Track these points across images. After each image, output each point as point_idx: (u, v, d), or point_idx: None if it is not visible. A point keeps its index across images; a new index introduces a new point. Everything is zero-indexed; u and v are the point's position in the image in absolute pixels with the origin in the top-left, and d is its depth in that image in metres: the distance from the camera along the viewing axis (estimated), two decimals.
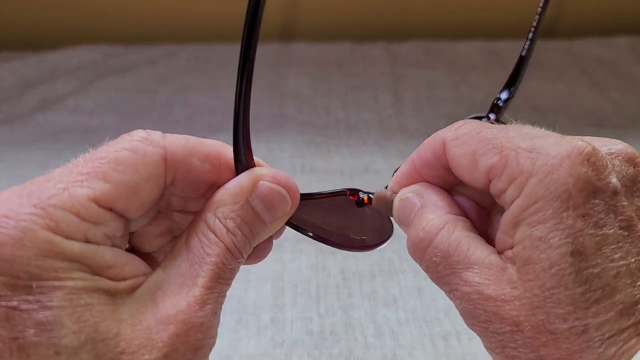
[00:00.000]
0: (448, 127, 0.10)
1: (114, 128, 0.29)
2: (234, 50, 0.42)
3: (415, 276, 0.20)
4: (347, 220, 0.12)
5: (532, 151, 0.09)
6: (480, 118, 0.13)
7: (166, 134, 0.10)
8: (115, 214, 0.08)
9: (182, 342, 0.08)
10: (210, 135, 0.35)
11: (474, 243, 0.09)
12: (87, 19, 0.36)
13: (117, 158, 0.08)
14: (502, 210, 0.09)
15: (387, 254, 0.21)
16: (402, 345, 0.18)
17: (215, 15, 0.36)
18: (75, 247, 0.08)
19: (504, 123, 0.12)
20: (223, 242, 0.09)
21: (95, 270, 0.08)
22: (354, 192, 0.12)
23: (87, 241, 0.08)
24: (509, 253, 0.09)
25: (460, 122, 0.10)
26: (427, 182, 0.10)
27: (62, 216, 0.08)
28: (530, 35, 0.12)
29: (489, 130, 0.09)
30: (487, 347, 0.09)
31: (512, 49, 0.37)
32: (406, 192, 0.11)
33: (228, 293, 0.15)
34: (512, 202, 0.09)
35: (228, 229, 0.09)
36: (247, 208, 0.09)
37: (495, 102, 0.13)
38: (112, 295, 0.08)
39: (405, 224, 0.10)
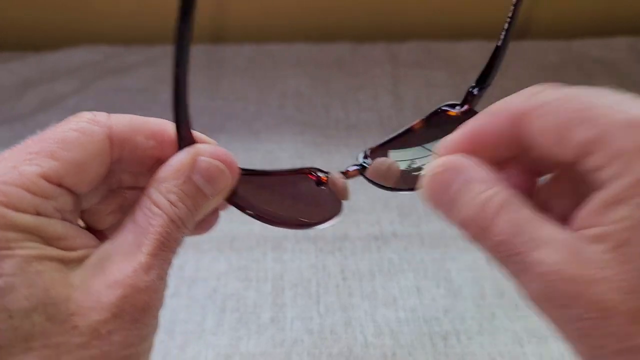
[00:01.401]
0: (517, 95, 0.09)
1: None
2: (234, 51, 0.42)
3: (415, 276, 0.20)
4: (297, 200, 0.12)
5: (636, 126, 0.08)
6: (452, 106, 0.13)
7: (112, 114, 0.10)
8: (65, 190, 0.09)
9: (130, 303, 0.09)
10: (211, 135, 0.35)
11: (541, 219, 0.08)
12: (88, 19, 0.36)
13: (65, 138, 0.09)
14: (551, 186, 0.09)
15: (386, 254, 0.21)
16: (402, 344, 0.18)
17: (215, 15, 0.36)
18: (26, 219, 0.08)
19: (476, 112, 0.11)
20: (166, 214, 0.09)
21: (46, 241, 0.09)
22: (314, 170, 0.13)
23: (38, 214, 0.09)
24: (594, 231, 0.08)
25: (536, 88, 0.09)
26: (478, 155, 0.09)
27: (13, 192, 0.08)
28: (506, 25, 0.11)
29: (579, 99, 0.08)
30: (564, 337, 0.09)
31: (511, 49, 0.37)
32: (444, 163, 0.09)
33: (229, 293, 0.15)
34: (610, 180, 0.08)
35: (171, 202, 0.09)
36: (188, 182, 0.10)
37: (470, 90, 0.13)
38: (64, 263, 0.09)
39: (441, 200, 0.09)
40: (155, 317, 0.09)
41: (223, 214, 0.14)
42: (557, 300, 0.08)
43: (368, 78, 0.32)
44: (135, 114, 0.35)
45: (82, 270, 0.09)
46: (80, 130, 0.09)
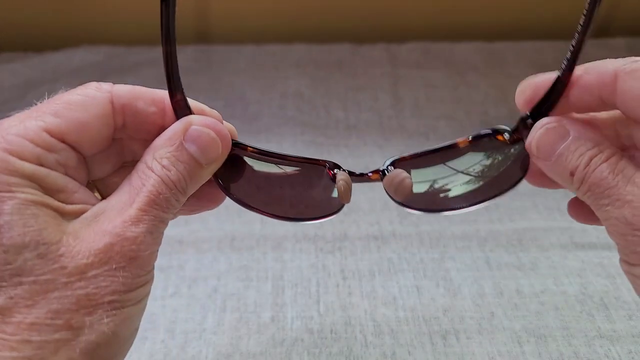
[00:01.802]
0: (614, 60, 0.10)
1: None
2: (234, 51, 0.42)
3: (415, 275, 0.20)
4: (296, 190, 0.12)
5: None
6: (501, 131, 0.12)
7: (115, 84, 0.11)
8: (68, 146, 0.10)
9: (116, 251, 0.09)
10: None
11: (638, 169, 0.10)
12: (89, 20, 0.36)
13: (69, 100, 0.10)
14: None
15: (386, 254, 0.22)
16: (402, 344, 0.18)
17: (216, 16, 0.37)
18: (27, 167, 0.09)
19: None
20: (158, 175, 0.10)
21: (46, 190, 0.09)
22: (330, 164, 0.12)
23: (40, 164, 0.09)
24: None
25: (633, 57, 0.10)
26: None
27: (16, 140, 0.09)
28: (568, 54, 0.11)
29: None
30: (624, 262, 0.10)
31: (511, 50, 0.38)
32: (558, 119, 0.11)
33: (230, 292, 0.15)
34: None
35: (163, 166, 0.10)
36: (180, 149, 0.10)
37: (524, 118, 0.12)
38: (60, 213, 0.09)
39: (547, 155, 0.11)
40: (144, 270, 0.09)
41: (224, 214, 0.14)
42: (638, 226, 0.09)
43: (368, 79, 0.32)
44: None
45: (76, 222, 0.09)
46: (83, 94, 0.10)
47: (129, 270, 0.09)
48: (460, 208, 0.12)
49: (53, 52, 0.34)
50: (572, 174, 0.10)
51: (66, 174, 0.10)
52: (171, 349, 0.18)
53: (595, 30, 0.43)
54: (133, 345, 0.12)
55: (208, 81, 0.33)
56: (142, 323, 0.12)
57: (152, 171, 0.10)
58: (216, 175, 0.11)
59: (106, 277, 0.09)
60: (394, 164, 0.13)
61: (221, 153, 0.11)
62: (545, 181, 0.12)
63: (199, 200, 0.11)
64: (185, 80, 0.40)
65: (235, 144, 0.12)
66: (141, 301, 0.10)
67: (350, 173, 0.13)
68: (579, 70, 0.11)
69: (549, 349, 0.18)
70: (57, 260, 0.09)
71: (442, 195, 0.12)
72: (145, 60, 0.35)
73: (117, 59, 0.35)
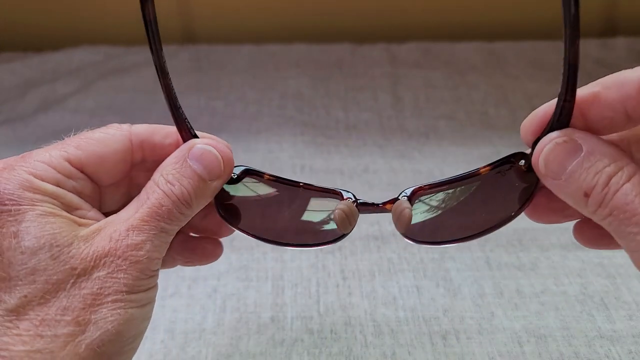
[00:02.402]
0: (633, 70, 0.09)
1: None
2: (235, 51, 0.42)
3: (415, 275, 0.20)
4: (301, 217, 0.13)
5: None
6: (521, 157, 0.11)
7: (133, 125, 0.12)
8: (86, 175, 0.11)
9: (119, 255, 0.10)
10: (211, 134, 0.35)
11: None
12: (88, 20, 0.36)
13: (91, 136, 0.12)
14: None
15: (386, 254, 0.22)
16: (402, 344, 0.18)
17: (216, 16, 0.37)
18: (47, 187, 0.11)
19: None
20: (162, 189, 0.11)
21: (64, 207, 0.11)
22: (341, 193, 0.13)
23: (58, 186, 0.11)
24: None
25: None
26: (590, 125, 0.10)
27: (40, 166, 0.11)
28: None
29: None
30: None
31: (510, 50, 0.38)
32: (558, 135, 0.10)
33: (229, 292, 0.15)
34: None
35: (168, 181, 0.11)
36: (185, 166, 0.11)
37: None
38: (75, 223, 0.11)
39: (557, 173, 0.10)
40: (144, 275, 0.10)
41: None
42: None
43: (368, 78, 0.32)
44: (135, 114, 0.35)
45: (87, 230, 0.11)
46: (104, 132, 0.12)
47: (130, 273, 0.10)
48: (457, 241, 0.12)
49: (53, 52, 0.34)
50: (586, 195, 0.09)
51: (80, 198, 0.11)
52: (171, 349, 0.18)
53: (596, 30, 0.43)
54: None
55: (208, 81, 0.33)
56: None
57: (158, 186, 0.11)
58: (217, 204, 0.12)
59: (109, 279, 0.10)
60: (413, 193, 0.12)
61: (224, 170, 0.12)
62: (549, 215, 0.11)
63: (194, 253, 0.13)
64: (186, 80, 0.40)
65: (249, 171, 0.13)
66: (145, 306, 0.11)
67: (364, 204, 0.13)
68: (595, 86, 0.10)
69: (549, 349, 0.17)
70: (68, 261, 0.10)
71: (443, 226, 0.12)
72: (144, 60, 0.35)
73: (117, 58, 0.35)
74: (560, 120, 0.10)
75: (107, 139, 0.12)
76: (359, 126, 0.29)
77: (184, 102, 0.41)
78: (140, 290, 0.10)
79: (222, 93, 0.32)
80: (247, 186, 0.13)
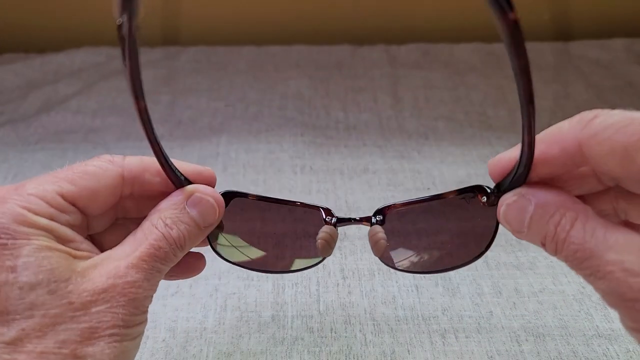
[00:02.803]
0: (571, 121, 0.10)
1: (117, 129, 0.29)
2: (235, 52, 0.42)
3: (414, 275, 0.20)
4: (284, 241, 0.13)
5: None
6: (484, 190, 0.12)
7: (126, 156, 0.12)
8: (77, 209, 0.12)
9: (118, 291, 0.11)
10: (212, 135, 0.35)
11: (611, 225, 0.10)
12: (90, 21, 0.36)
13: (85, 170, 0.12)
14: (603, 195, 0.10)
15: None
16: (401, 342, 0.18)
17: (217, 17, 0.37)
18: (42, 221, 0.11)
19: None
20: (160, 232, 0.11)
21: (58, 240, 0.11)
22: (326, 214, 0.13)
23: (52, 220, 0.11)
24: None
25: (588, 115, 0.10)
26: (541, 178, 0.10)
27: (34, 201, 0.11)
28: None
29: (636, 120, 0.09)
30: (631, 328, 0.10)
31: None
32: (511, 196, 0.11)
33: (230, 292, 0.16)
34: None
35: (166, 224, 0.12)
36: (183, 212, 0.12)
37: (493, 190, 0.12)
38: (71, 255, 0.11)
39: (518, 227, 0.11)
40: (140, 311, 0.11)
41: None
42: (626, 295, 0.09)
43: (367, 79, 0.33)
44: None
45: (84, 264, 0.11)
46: (98, 166, 0.12)
47: (127, 309, 0.11)
48: (430, 272, 0.13)
49: (55, 53, 0.35)
50: (542, 244, 0.10)
51: (72, 230, 0.11)
52: (172, 347, 0.18)
53: (594, 32, 0.43)
54: None
55: (209, 82, 0.33)
56: None
57: (156, 228, 0.11)
58: (211, 241, 0.13)
59: (107, 313, 0.10)
60: (382, 212, 0.13)
61: (217, 218, 0.12)
62: None
63: (177, 267, 0.13)
64: (187, 81, 0.40)
65: (228, 194, 0.13)
66: (136, 338, 0.11)
67: (340, 220, 0.13)
68: (538, 143, 0.10)
69: (548, 348, 0.18)
70: (66, 296, 0.10)
71: (418, 255, 0.13)
72: (145, 61, 0.35)
73: (118, 60, 0.35)
74: (518, 176, 0.11)
75: (99, 173, 0.12)
76: (358, 127, 0.29)
77: (185, 103, 0.41)
78: (135, 325, 0.11)
79: (223, 94, 0.32)
80: (233, 213, 0.13)
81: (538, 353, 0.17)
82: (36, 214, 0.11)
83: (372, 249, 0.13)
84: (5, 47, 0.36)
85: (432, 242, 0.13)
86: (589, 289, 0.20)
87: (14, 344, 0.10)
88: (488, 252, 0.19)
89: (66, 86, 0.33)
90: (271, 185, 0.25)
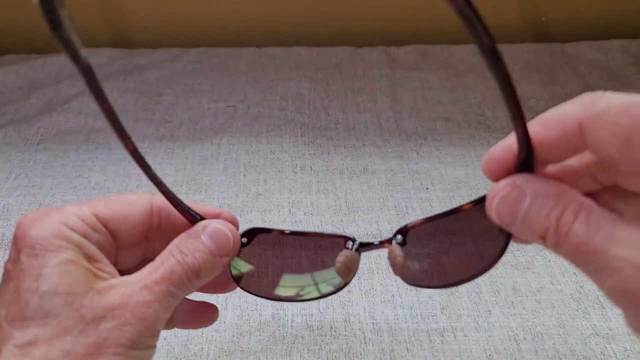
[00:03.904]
0: (572, 102, 0.09)
1: None
2: (236, 54, 0.43)
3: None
4: (306, 269, 0.14)
5: None
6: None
7: (155, 195, 0.13)
8: (109, 231, 0.12)
9: (129, 309, 0.11)
10: (213, 136, 0.35)
11: (615, 219, 0.09)
12: (91, 22, 0.37)
13: (118, 198, 0.13)
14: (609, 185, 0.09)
15: (385, 252, 0.22)
16: (400, 341, 0.18)
17: (218, 19, 0.37)
18: (74, 236, 0.11)
19: None
20: (176, 259, 0.12)
21: (85, 257, 0.11)
22: (347, 240, 0.13)
23: (85, 237, 0.12)
24: None
25: (591, 97, 0.09)
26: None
27: (71, 217, 0.12)
28: None
29: (638, 105, 0.08)
30: (635, 328, 0.09)
31: (506, 52, 0.38)
32: (510, 183, 0.10)
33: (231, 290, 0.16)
34: None
35: (181, 251, 0.12)
36: (198, 241, 0.12)
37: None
38: (93, 274, 0.11)
39: (511, 221, 0.10)
40: (150, 333, 0.11)
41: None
42: (633, 293, 0.08)
43: (367, 81, 0.33)
44: (138, 115, 0.35)
45: (104, 283, 0.11)
46: (129, 196, 0.13)
47: (136, 328, 0.11)
48: (449, 286, 0.13)
49: (57, 54, 0.35)
50: (542, 238, 0.09)
51: (100, 252, 0.12)
52: (173, 346, 0.18)
53: (591, 33, 0.43)
54: None
55: (210, 83, 0.33)
56: None
57: (172, 254, 0.12)
58: (232, 274, 0.14)
59: (115, 330, 0.11)
60: (402, 232, 0.13)
61: (232, 249, 0.13)
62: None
63: (192, 317, 0.14)
64: (188, 82, 0.40)
65: (256, 230, 0.14)
66: (145, 355, 0.11)
67: (362, 244, 0.13)
68: (535, 125, 0.10)
69: (546, 347, 0.18)
70: (79, 310, 0.11)
71: (436, 269, 0.13)
72: (147, 63, 0.35)
73: (120, 61, 0.35)
74: (522, 167, 0.10)
75: (131, 202, 0.13)
76: (358, 127, 0.29)
77: (186, 103, 0.41)
78: (141, 347, 0.11)
79: (224, 95, 0.32)
80: (255, 249, 0.14)
81: (536, 352, 0.18)
82: (71, 229, 0.11)
83: (392, 267, 0.13)
84: (7, 48, 0.36)
85: (451, 255, 0.12)
86: (587, 288, 0.20)
87: (24, 347, 0.10)
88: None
89: (68, 87, 0.33)
90: (271, 185, 0.25)
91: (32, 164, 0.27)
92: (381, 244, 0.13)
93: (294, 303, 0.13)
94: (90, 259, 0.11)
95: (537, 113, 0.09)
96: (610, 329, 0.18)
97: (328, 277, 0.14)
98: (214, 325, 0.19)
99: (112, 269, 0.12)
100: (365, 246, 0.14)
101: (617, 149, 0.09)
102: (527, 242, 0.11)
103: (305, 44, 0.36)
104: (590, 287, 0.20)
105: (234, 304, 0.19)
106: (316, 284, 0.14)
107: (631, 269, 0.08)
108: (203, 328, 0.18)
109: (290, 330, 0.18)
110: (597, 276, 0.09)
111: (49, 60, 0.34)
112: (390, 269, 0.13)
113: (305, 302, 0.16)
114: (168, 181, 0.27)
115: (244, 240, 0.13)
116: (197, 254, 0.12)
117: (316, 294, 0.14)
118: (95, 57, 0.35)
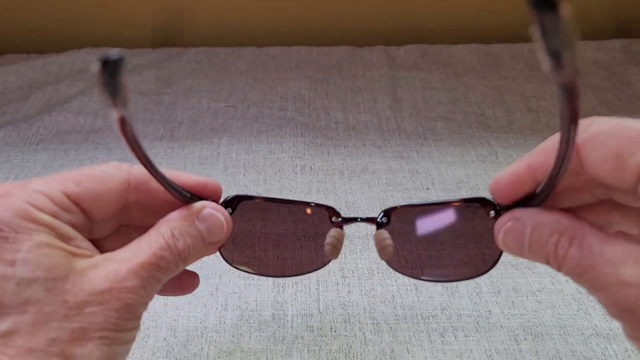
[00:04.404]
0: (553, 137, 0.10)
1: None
2: (236, 53, 0.43)
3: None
4: (290, 244, 0.13)
5: None
6: (491, 205, 0.12)
7: (133, 165, 0.12)
8: (81, 210, 0.12)
9: (114, 295, 0.10)
10: (213, 135, 0.35)
11: (604, 238, 0.10)
12: (92, 22, 0.37)
13: (91, 173, 0.12)
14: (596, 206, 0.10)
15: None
16: (400, 341, 0.18)
17: (218, 19, 0.37)
18: (44, 217, 0.11)
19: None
20: (166, 241, 0.11)
21: (59, 237, 0.11)
22: (332, 214, 0.13)
23: (55, 218, 0.11)
24: None
25: (586, 122, 0.10)
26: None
27: (38, 197, 0.11)
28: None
29: (629, 127, 0.09)
30: (631, 336, 0.10)
31: (507, 52, 0.38)
32: (506, 221, 0.11)
33: (231, 291, 0.16)
34: None
35: (173, 234, 0.11)
36: (192, 225, 0.12)
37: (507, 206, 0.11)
38: (71, 254, 0.11)
39: (520, 251, 0.11)
40: (133, 317, 0.11)
41: None
42: (622, 305, 0.09)
43: (367, 80, 0.33)
44: (137, 114, 0.35)
45: (84, 263, 0.11)
46: (104, 171, 0.12)
47: (121, 313, 0.10)
48: (437, 281, 0.13)
49: (56, 54, 0.35)
50: (547, 262, 0.11)
51: (74, 229, 0.11)
52: (173, 346, 0.18)
53: (591, 33, 0.43)
54: (136, 343, 0.12)
55: (210, 83, 0.33)
56: (145, 321, 0.13)
57: (163, 237, 0.11)
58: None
59: (100, 315, 0.10)
60: (387, 213, 0.13)
61: (224, 236, 0.12)
62: None
63: (171, 284, 0.13)
64: (188, 81, 0.40)
65: (241, 197, 0.13)
66: (127, 343, 0.11)
67: (345, 220, 0.13)
68: (538, 154, 0.11)
69: (546, 347, 0.18)
70: (61, 294, 0.10)
71: (423, 262, 0.13)
72: (146, 62, 0.35)
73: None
74: (541, 199, 0.11)
75: (106, 178, 0.12)
76: (358, 127, 0.29)
77: (186, 103, 0.41)
78: (126, 330, 0.11)
79: (224, 94, 0.32)
80: (241, 217, 0.13)
81: (536, 352, 0.18)
82: (40, 210, 0.11)
83: (378, 253, 0.13)
84: (7, 48, 0.36)
85: (437, 250, 0.13)
86: None
87: (5, 337, 0.10)
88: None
89: (68, 87, 0.33)
90: (271, 185, 0.25)
91: (31, 164, 0.27)
92: (366, 220, 0.13)
93: (274, 279, 0.13)
94: (64, 238, 0.11)
95: (538, 113, 0.10)
96: (611, 329, 0.18)
97: (311, 253, 0.13)
98: (214, 326, 0.19)
99: (89, 244, 0.11)
100: (348, 221, 0.13)
101: (609, 172, 0.10)
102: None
103: (305, 44, 0.36)
104: None
105: (234, 305, 0.19)
106: (300, 259, 0.13)
107: (617, 284, 0.09)
108: (203, 328, 0.18)
109: (290, 331, 0.18)
110: (593, 292, 0.10)
111: (49, 60, 0.34)
112: (380, 257, 0.13)
113: (287, 279, 0.16)
114: None
115: (229, 210, 0.13)
116: (188, 239, 0.11)
117: (299, 271, 0.13)
118: (95, 56, 0.35)
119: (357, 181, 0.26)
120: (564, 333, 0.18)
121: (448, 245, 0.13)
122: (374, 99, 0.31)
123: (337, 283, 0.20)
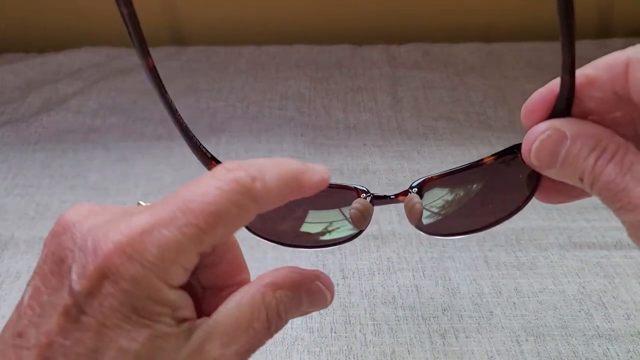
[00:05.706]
0: (625, 50, 0.09)
1: (117, 129, 0.29)
2: (235, 52, 0.42)
3: (414, 275, 0.21)
4: (319, 217, 0.13)
5: None
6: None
7: (256, 177, 0.10)
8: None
9: None
10: (212, 135, 0.35)
11: None
12: (90, 21, 0.36)
13: (227, 213, 0.09)
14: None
15: (386, 253, 0.22)
16: (401, 342, 0.18)
17: (217, 18, 0.37)
18: (172, 295, 0.09)
19: None
20: (269, 323, 0.10)
21: (176, 320, 0.09)
22: (362, 192, 0.13)
23: (180, 288, 0.09)
24: None
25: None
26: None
27: (177, 272, 0.09)
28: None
29: None
30: None
31: (509, 51, 0.38)
32: (544, 128, 0.10)
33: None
34: None
35: (278, 313, 0.10)
36: (297, 297, 0.10)
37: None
38: (177, 339, 0.09)
39: (551, 163, 0.10)
40: None
41: None
42: None
43: (367, 79, 0.33)
44: (137, 114, 0.35)
45: (188, 348, 0.09)
46: (238, 206, 0.09)
47: None
48: (468, 232, 0.12)
49: (55, 53, 0.35)
50: (581, 179, 0.10)
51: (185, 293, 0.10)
52: None
53: (593, 32, 0.43)
54: None
55: (209, 82, 0.33)
56: None
57: (267, 315, 0.10)
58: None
59: None
60: (420, 186, 0.12)
61: (323, 308, 0.11)
62: (556, 196, 0.11)
63: None
64: (187, 80, 0.40)
65: None
66: None
67: (377, 197, 0.13)
68: (587, 68, 0.10)
69: (548, 348, 0.18)
70: None
71: (454, 218, 0.12)
72: None
73: (119, 60, 0.35)
74: (560, 109, 0.10)
75: (239, 220, 0.09)
76: (358, 127, 0.29)
77: (185, 102, 0.41)
78: None
79: (224, 94, 0.32)
80: None
81: (538, 353, 0.17)
82: (171, 287, 0.09)
83: (407, 216, 0.12)
84: (5, 47, 0.36)
85: (471, 204, 0.12)
86: (589, 289, 0.20)
87: None
88: (488, 253, 0.19)
89: (66, 86, 0.33)
90: None
91: (29, 164, 0.27)
92: (396, 197, 0.13)
93: (303, 250, 0.12)
94: (175, 312, 0.09)
95: None
96: (613, 330, 0.18)
97: (340, 225, 0.13)
98: None
99: (189, 309, 0.10)
100: (378, 199, 0.13)
101: None
102: (552, 199, 0.11)
103: (305, 43, 0.36)
104: (593, 287, 0.20)
105: None
106: (328, 231, 0.13)
107: None
108: None
109: (290, 332, 0.18)
110: (621, 213, 0.09)
111: (47, 59, 0.34)
112: (409, 220, 0.13)
113: (316, 249, 0.14)
114: (166, 181, 0.27)
115: None
116: (289, 315, 0.10)
117: (328, 238, 0.13)
118: (93, 56, 0.35)
119: (357, 181, 0.26)
120: (566, 334, 0.18)
121: (482, 199, 0.12)
122: (375, 98, 0.31)
123: (338, 284, 0.20)
